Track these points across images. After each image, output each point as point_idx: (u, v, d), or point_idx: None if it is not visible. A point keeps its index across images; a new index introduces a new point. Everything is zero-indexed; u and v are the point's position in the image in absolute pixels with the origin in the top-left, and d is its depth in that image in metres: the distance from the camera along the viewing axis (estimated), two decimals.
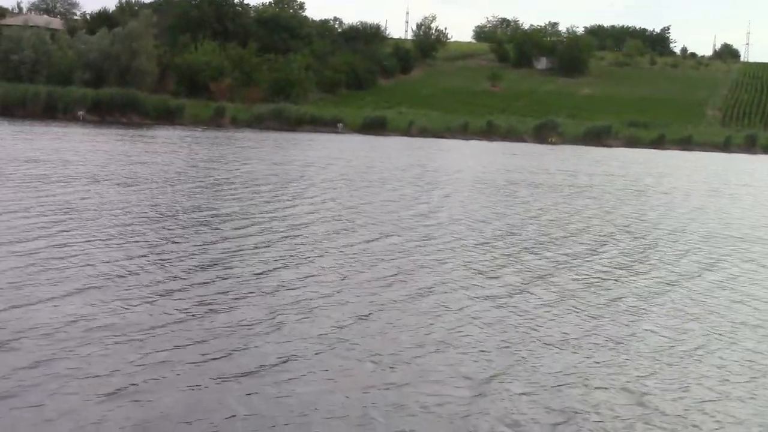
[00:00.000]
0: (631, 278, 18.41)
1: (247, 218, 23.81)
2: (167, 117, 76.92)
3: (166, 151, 47.13)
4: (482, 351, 12.37)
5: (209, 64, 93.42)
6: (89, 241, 18.33)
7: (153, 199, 26.50)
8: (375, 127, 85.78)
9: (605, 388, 11.17)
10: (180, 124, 75.39)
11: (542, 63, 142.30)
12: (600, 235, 24.58)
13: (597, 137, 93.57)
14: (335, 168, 42.75)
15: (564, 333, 13.40)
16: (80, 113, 72.28)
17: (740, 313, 15.73)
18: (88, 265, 16.03)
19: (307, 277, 16.54)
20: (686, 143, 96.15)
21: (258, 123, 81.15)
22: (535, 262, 19.54)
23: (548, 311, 14.90)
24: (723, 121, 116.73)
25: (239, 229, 21.90)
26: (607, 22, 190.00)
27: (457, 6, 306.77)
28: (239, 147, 54.06)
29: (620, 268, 19.36)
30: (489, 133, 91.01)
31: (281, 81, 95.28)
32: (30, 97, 72.26)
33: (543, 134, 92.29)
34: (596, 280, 18.00)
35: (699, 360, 12.51)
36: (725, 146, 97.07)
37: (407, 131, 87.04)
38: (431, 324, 13.41)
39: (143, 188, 29.20)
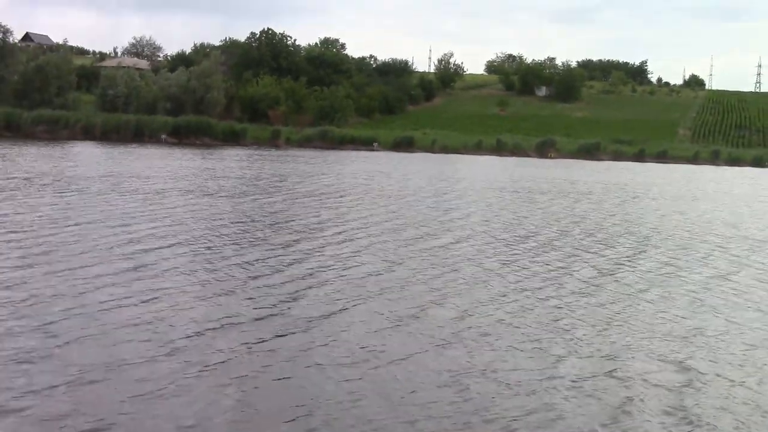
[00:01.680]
0: (647, 265, 18.92)
1: (321, 222, 24.29)
2: (233, 138, 77.71)
3: (238, 167, 47.84)
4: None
5: (267, 95, 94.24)
6: (197, 245, 18.31)
7: (240, 206, 27.06)
8: (404, 145, 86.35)
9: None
10: (244, 145, 76.14)
11: (542, 91, 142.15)
12: (609, 233, 25.08)
13: (588, 152, 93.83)
14: (380, 179, 43.19)
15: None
16: (163, 137, 73.16)
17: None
18: (200, 266, 15.96)
19: (377, 267, 16.73)
20: (662, 157, 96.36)
21: (307, 142, 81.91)
22: (558, 254, 19.91)
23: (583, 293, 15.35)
24: (692, 139, 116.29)
25: (315, 230, 22.28)
26: (595, 57, 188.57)
27: (471, 44, 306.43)
28: (295, 163, 54.50)
29: (628, 259, 19.75)
30: (498, 149, 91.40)
31: (326, 108, 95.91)
32: (123, 124, 73.12)
33: (543, 150, 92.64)
34: (613, 267, 18.50)
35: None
36: (694, 159, 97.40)
37: (431, 148, 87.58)
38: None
39: (228, 197, 29.87)
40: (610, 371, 10.40)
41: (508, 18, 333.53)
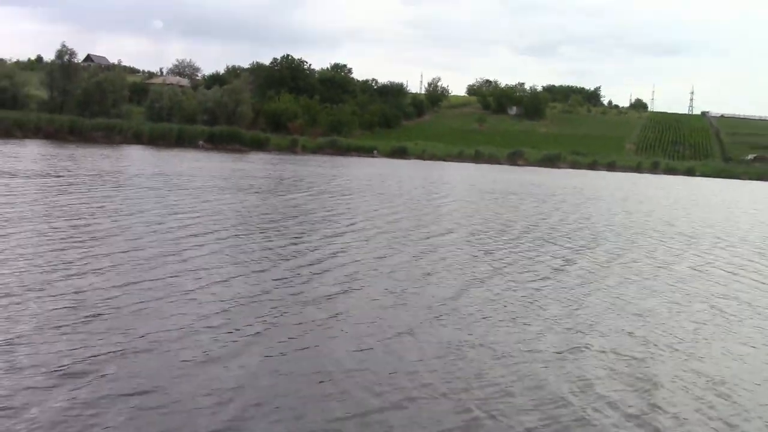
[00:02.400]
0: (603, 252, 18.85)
1: (339, 212, 24.30)
2: (259, 146, 77.23)
3: (265, 168, 47.85)
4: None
5: (287, 110, 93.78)
6: (233, 232, 18.16)
7: (269, 201, 27.00)
8: (399, 153, 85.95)
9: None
10: (267, 151, 75.70)
11: (513, 110, 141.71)
12: (571, 227, 24.99)
13: (551, 161, 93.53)
14: (383, 181, 43.12)
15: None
16: (200, 143, 72.75)
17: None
18: (236, 251, 16.07)
19: (385, 252, 16.60)
20: (611, 166, 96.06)
21: (319, 150, 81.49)
22: (530, 245, 19.92)
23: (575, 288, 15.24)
24: (636, 152, 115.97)
25: (332, 221, 22.21)
26: (557, 83, 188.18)
27: (455, 72, 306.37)
28: (311, 166, 54.37)
29: (588, 250, 19.76)
30: (476, 158, 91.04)
31: (335, 122, 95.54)
32: (167, 131, 72.65)
33: (514, 159, 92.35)
34: (575, 256, 18.41)
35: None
36: (637, 168, 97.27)
37: (421, 156, 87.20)
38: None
39: (260, 193, 29.80)
40: (583, 345, 10.24)
41: (486, 50, 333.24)
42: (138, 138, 70.21)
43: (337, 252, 16.27)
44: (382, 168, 59.68)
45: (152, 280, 12.10)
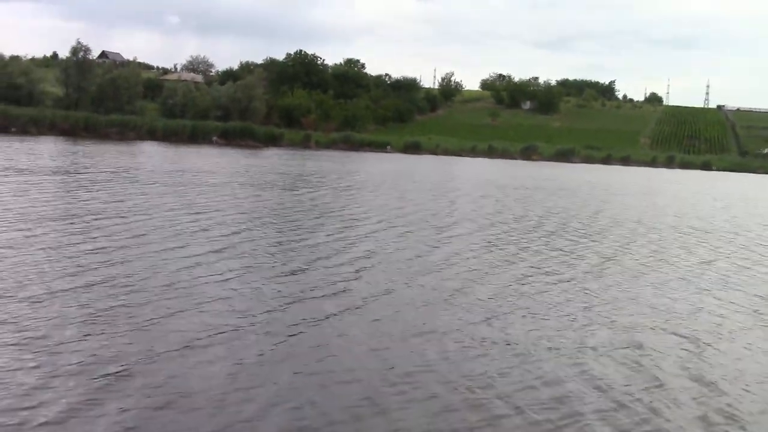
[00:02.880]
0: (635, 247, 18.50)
1: (354, 206, 24.03)
2: (272, 141, 77.12)
3: (283, 164, 48.17)
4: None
5: (300, 105, 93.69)
6: (262, 231, 18.16)
7: (295, 197, 26.93)
8: (412, 148, 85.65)
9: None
10: (281, 146, 75.63)
11: (527, 105, 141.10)
12: (600, 224, 24.66)
13: (564, 156, 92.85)
14: (401, 177, 42.87)
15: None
16: (214, 138, 72.70)
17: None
18: (267, 249, 15.98)
19: (414, 252, 16.57)
20: (626, 161, 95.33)
21: (333, 145, 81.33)
22: (563, 242, 19.76)
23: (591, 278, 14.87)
24: (651, 146, 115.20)
25: (361, 219, 22.00)
26: (571, 77, 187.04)
27: (469, 66, 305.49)
28: (328, 162, 54.40)
29: (622, 247, 19.34)
30: (490, 153, 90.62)
31: (349, 117, 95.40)
32: (180, 127, 72.66)
33: (527, 153, 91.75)
34: (612, 253, 18.07)
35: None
36: (652, 163, 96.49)
37: (434, 151, 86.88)
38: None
39: (282, 189, 29.75)
40: (632, 341, 10.11)
41: (500, 45, 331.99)
42: (152, 134, 70.23)
43: (370, 251, 16.19)
44: (397, 163, 59.45)
45: (190, 279, 12.17)
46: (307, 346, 9.12)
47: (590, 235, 21.62)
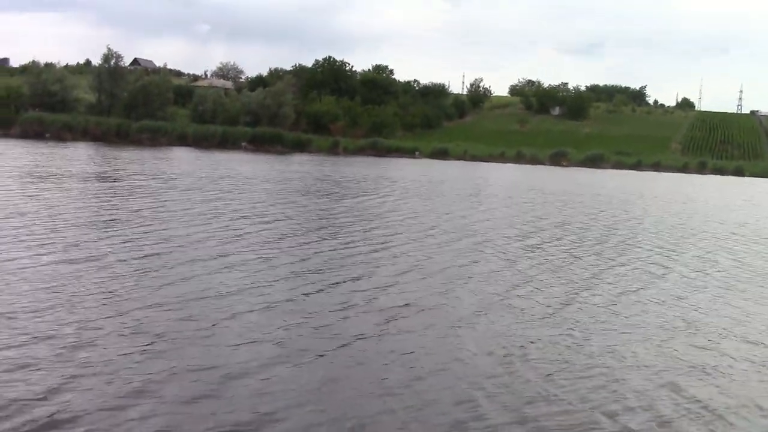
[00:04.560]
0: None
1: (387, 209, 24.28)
2: (300, 147, 77.73)
3: (311, 169, 48.40)
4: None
5: (329, 111, 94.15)
6: (311, 238, 18.32)
7: (340, 204, 27.28)
8: (440, 154, 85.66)
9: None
10: (309, 152, 76.24)
11: (556, 110, 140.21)
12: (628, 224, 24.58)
13: (594, 162, 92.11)
14: (435, 184, 42.96)
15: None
16: (243, 144, 73.50)
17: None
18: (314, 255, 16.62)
19: (454, 262, 16.86)
20: (656, 166, 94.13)
21: (361, 151, 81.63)
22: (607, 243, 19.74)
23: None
24: (682, 152, 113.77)
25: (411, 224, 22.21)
26: (601, 82, 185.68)
27: (497, 72, 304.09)
28: (360, 167, 54.78)
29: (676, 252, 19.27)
30: (518, 159, 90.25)
31: (377, 123, 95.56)
32: (210, 133, 73.63)
33: (557, 159, 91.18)
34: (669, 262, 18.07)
35: None
36: (683, 168, 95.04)
37: (462, 157, 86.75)
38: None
39: (326, 196, 30.05)
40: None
41: (529, 50, 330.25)
42: (182, 140, 71.24)
43: (418, 257, 16.31)
44: (427, 169, 59.71)
45: (227, 284, 12.56)
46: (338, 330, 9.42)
47: (662, 245, 21.51)
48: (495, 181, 50.10)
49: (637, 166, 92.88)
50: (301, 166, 51.28)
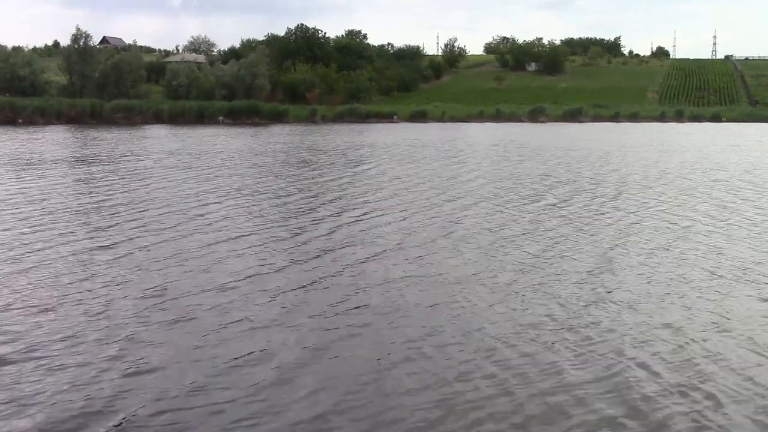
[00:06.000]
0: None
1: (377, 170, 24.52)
2: (278, 118, 77.33)
3: (293, 140, 48.24)
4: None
5: (304, 80, 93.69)
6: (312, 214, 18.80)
7: (328, 174, 27.32)
8: (419, 117, 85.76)
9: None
10: (287, 122, 75.94)
11: (532, 66, 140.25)
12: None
13: (572, 116, 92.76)
14: (416, 146, 43.18)
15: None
16: (220, 118, 73.03)
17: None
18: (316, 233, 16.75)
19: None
20: (634, 117, 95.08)
21: (339, 118, 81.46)
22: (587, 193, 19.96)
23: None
24: (659, 101, 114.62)
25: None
26: (575, 35, 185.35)
27: (471, 31, 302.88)
28: (333, 133, 54.70)
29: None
30: (497, 117, 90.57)
31: (353, 89, 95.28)
32: (186, 109, 72.98)
33: (535, 116, 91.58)
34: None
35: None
36: (661, 118, 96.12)
37: (441, 119, 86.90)
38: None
39: (315, 167, 30.05)
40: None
41: (502, 8, 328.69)
42: (158, 117, 70.72)
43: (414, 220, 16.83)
44: (409, 133, 59.57)
45: (213, 262, 12.97)
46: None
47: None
48: (478, 142, 50.41)
49: (615, 118, 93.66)
50: (281, 138, 51.17)
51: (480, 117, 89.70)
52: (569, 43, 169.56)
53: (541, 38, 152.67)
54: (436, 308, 9.75)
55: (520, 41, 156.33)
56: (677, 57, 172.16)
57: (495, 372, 7.58)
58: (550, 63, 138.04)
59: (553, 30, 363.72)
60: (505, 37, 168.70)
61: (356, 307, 9.72)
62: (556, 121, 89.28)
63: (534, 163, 32.62)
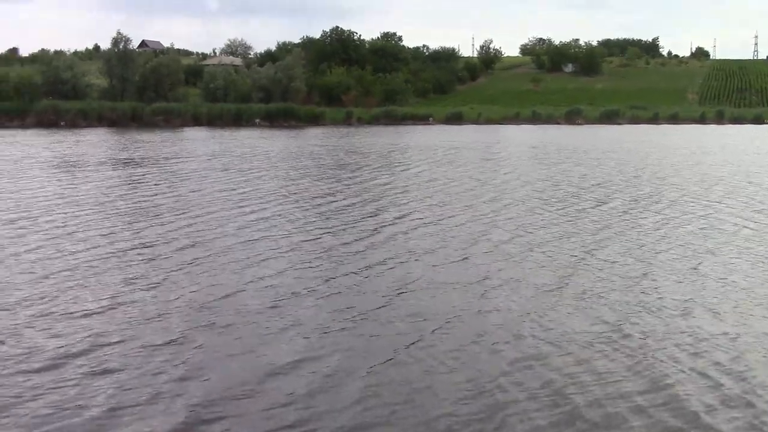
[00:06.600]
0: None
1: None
2: (314, 120, 77.51)
3: (331, 142, 48.38)
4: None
5: (340, 83, 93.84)
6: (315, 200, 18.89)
7: (382, 177, 27.36)
8: (455, 119, 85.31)
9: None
10: (323, 125, 76.13)
11: (569, 68, 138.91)
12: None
13: (609, 118, 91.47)
14: (460, 149, 43.02)
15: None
16: (257, 121, 73.51)
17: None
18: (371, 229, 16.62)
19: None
20: (674, 119, 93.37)
21: (375, 121, 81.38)
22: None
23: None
24: (699, 102, 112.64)
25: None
26: (613, 36, 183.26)
27: (507, 32, 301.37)
28: (369, 135, 54.72)
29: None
30: (534, 119, 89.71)
31: (389, 91, 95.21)
32: (224, 112, 73.61)
33: (572, 117, 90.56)
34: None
35: None
36: (701, 119, 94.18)
37: (477, 120, 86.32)
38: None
39: (343, 166, 30.15)
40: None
41: (538, 8, 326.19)
42: (196, 120, 71.44)
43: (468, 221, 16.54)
44: (446, 135, 59.36)
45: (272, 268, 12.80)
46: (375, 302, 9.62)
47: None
48: (515, 144, 50.05)
49: (654, 120, 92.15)
50: (318, 140, 51.34)
51: (516, 119, 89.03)
52: (606, 43, 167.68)
53: (577, 39, 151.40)
54: (483, 313, 9.65)
55: (557, 42, 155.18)
56: (717, 57, 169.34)
57: (551, 379, 7.45)
58: (586, 64, 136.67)
59: (590, 30, 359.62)
60: (541, 39, 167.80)
61: (403, 312, 9.63)
62: (593, 123, 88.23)
63: (573, 165, 32.26)
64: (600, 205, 19.71)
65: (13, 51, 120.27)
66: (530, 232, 15.47)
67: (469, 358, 7.98)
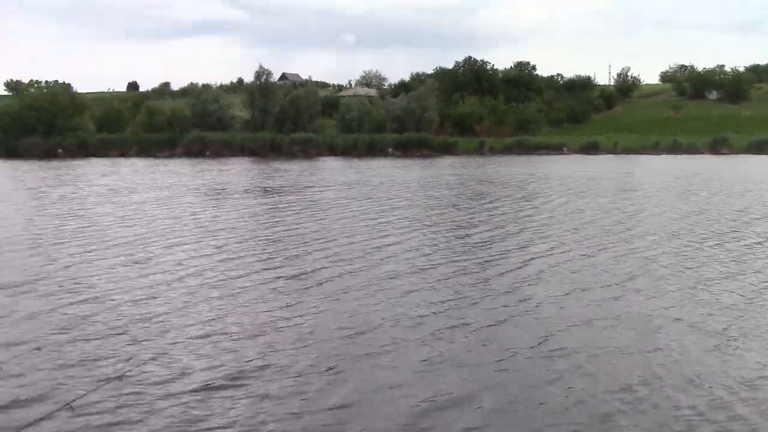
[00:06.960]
0: None
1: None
2: (447, 150, 77.64)
3: (465, 172, 48.29)
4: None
5: (472, 113, 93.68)
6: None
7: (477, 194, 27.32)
8: (590, 148, 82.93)
9: None
10: (456, 154, 76.10)
11: (713, 95, 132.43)
12: None
13: (759, 148, 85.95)
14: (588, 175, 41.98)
15: None
16: (390, 150, 74.56)
17: None
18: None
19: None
20: None
21: (508, 150, 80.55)
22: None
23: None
24: None
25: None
26: (762, 62, 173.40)
27: (645, 59, 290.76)
28: (503, 165, 54.22)
29: None
30: (674, 148, 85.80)
31: (522, 121, 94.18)
32: (359, 142, 75.25)
33: (716, 147, 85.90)
34: None
35: None
36: None
37: (613, 150, 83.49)
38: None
39: (464, 190, 30.15)
40: None
41: (679, 33, 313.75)
42: (332, 150, 73.34)
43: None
44: (582, 165, 57.95)
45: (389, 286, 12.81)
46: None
47: None
48: (657, 174, 48.03)
49: None
50: (452, 169, 51.32)
51: (655, 149, 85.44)
52: (755, 69, 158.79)
53: (722, 65, 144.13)
54: (645, 353, 9.18)
55: (699, 69, 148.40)
56: None
57: (728, 428, 6.90)
58: (732, 90, 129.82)
59: (736, 55, 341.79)
60: (683, 65, 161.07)
61: (557, 349, 9.31)
62: (740, 153, 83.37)
63: (725, 197, 30.45)
64: (763, 241, 18.41)
65: (166, 85, 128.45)
66: (686, 268, 14.66)
67: (640, 403, 7.57)
